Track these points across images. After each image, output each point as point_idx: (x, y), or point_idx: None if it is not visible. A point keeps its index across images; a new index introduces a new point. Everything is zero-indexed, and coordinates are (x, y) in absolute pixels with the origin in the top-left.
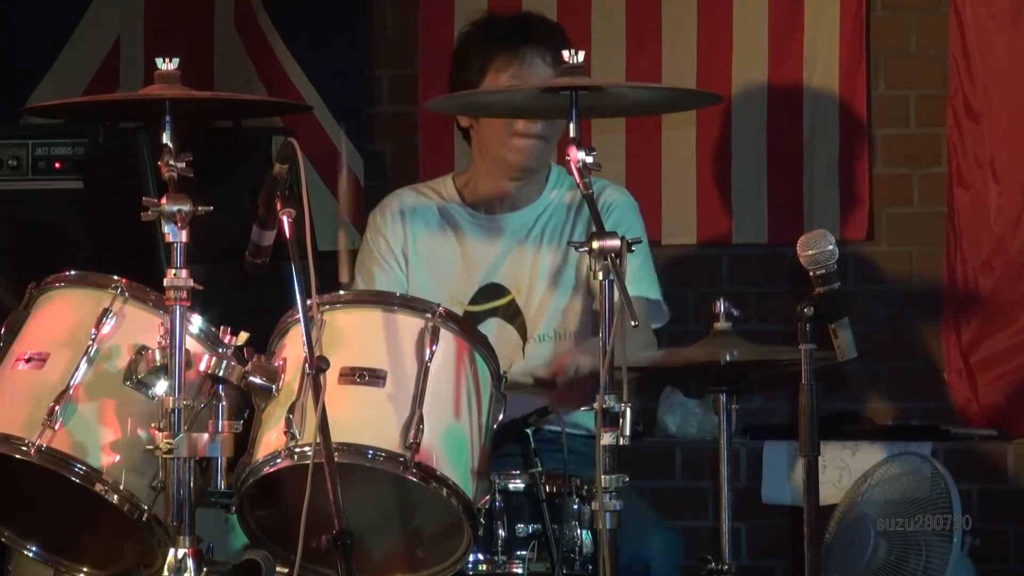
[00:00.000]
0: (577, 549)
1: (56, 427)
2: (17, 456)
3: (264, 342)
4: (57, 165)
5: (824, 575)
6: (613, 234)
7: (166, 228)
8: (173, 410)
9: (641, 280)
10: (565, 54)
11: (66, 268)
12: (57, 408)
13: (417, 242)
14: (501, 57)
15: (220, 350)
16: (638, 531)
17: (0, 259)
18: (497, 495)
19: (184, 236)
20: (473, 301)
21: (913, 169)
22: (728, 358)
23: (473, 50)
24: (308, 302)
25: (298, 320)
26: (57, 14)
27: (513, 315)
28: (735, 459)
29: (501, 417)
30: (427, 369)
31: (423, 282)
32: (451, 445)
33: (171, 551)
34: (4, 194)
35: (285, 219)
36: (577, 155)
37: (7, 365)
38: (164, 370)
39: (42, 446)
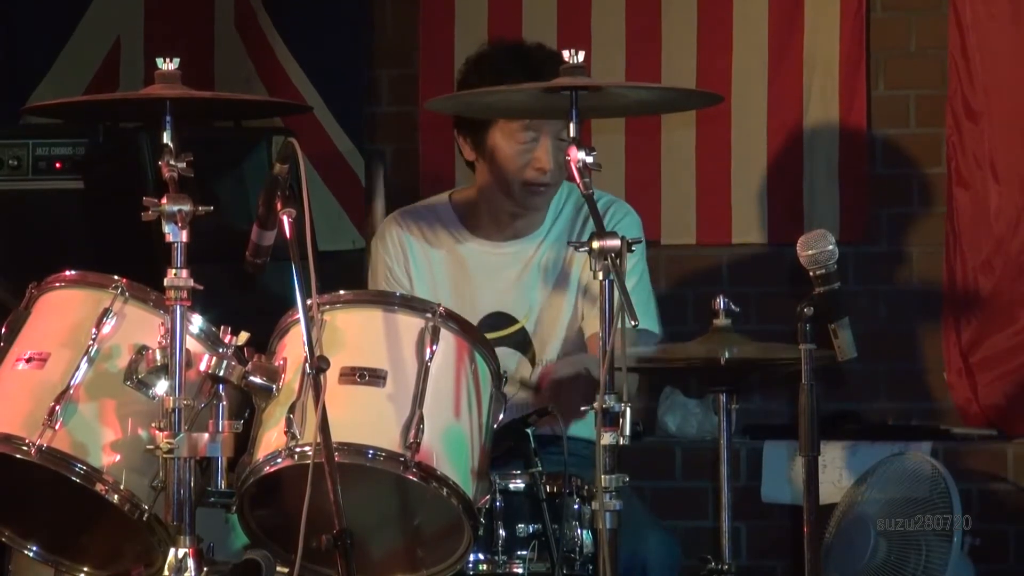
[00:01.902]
0: (577, 549)
1: (56, 427)
2: (17, 456)
3: (264, 342)
4: (57, 165)
5: (824, 575)
6: (613, 234)
7: (166, 228)
8: (173, 410)
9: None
10: (565, 54)
11: (66, 268)
12: (57, 408)
13: (418, 267)
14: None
15: (220, 350)
16: (635, 533)
17: (0, 259)
18: (497, 495)
19: (184, 236)
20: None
21: (913, 169)
22: (727, 355)
23: (484, 81)
24: (308, 302)
25: (298, 320)
26: (57, 14)
27: (524, 344)
28: (735, 459)
29: (501, 417)
30: (427, 369)
31: None
32: (451, 445)
33: (171, 551)
34: (4, 194)
35: (285, 219)
36: (577, 155)
37: (7, 365)
38: (164, 370)
39: (42, 446)
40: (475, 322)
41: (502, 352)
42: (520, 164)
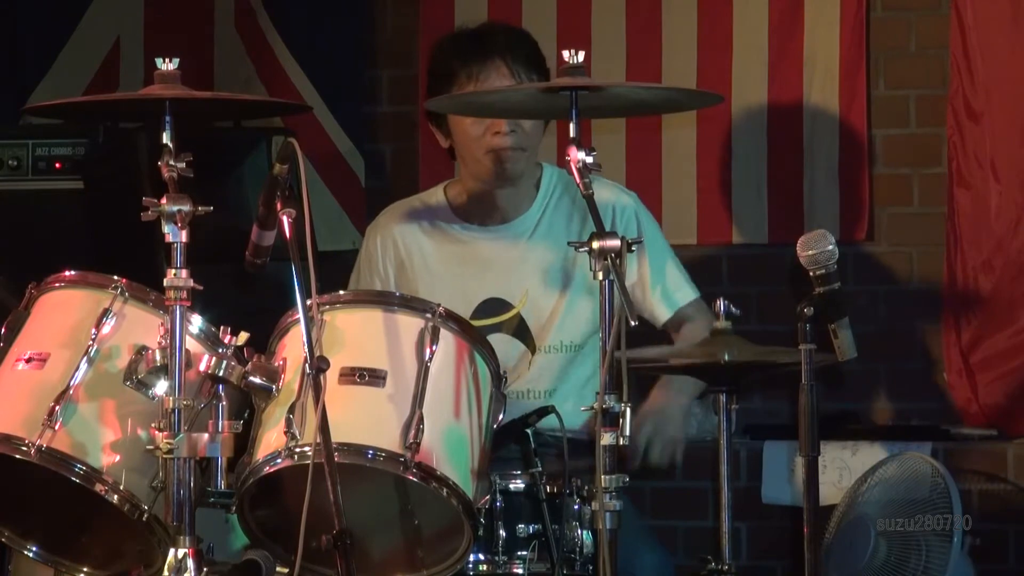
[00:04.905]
0: (577, 549)
1: (56, 427)
2: (17, 456)
3: (264, 342)
4: (57, 165)
5: (824, 575)
6: (613, 234)
7: (166, 228)
8: (173, 410)
9: (679, 284)
10: (565, 54)
11: (66, 268)
12: (57, 408)
13: (413, 258)
14: (461, 73)
15: (220, 350)
16: (628, 550)
17: (0, 259)
18: (497, 495)
19: (184, 236)
20: (474, 316)
21: (913, 169)
22: (727, 358)
23: (437, 70)
24: (308, 302)
25: (298, 320)
26: (57, 14)
27: (520, 330)
28: (735, 459)
29: (501, 417)
30: (427, 369)
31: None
32: (451, 445)
33: (171, 551)
34: (4, 194)
35: (285, 219)
36: (577, 155)
37: (7, 365)
38: (164, 370)
39: (42, 446)
40: (472, 309)
41: (500, 339)
42: (478, 133)
